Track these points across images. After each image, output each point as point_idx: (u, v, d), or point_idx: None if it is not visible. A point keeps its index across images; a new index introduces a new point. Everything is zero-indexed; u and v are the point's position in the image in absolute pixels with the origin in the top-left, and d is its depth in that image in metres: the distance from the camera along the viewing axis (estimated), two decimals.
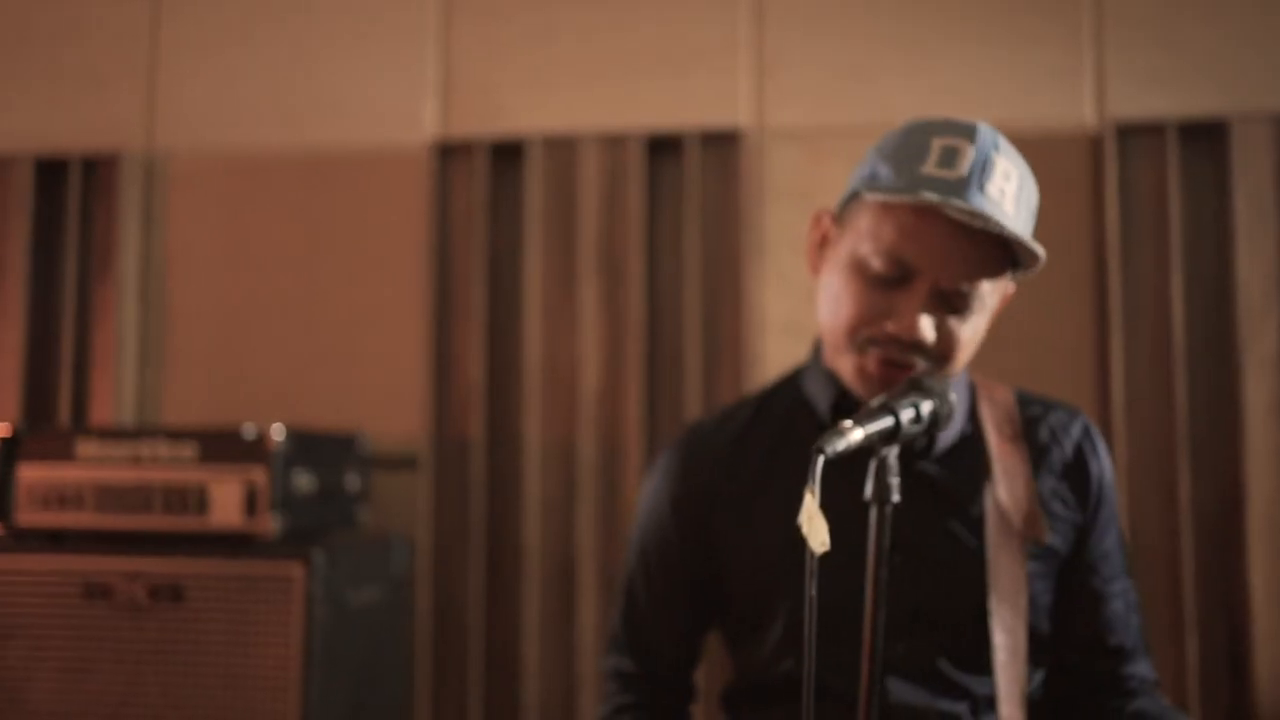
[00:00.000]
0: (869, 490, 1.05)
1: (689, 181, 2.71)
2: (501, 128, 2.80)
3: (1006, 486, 1.34)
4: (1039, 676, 1.38)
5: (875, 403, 1.08)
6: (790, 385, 1.46)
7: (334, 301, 2.85)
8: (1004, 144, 1.24)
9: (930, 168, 1.20)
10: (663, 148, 2.75)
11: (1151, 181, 2.61)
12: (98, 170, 2.91)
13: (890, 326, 1.23)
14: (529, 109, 2.81)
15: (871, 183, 1.25)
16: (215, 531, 2.21)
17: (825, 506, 0.96)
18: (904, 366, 1.25)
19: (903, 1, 2.74)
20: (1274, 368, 2.52)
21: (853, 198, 1.29)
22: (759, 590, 1.37)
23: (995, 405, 1.41)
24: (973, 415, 1.40)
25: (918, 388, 1.14)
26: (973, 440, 1.38)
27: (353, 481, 2.54)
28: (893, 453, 1.05)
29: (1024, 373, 2.58)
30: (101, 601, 2.18)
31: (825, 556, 0.96)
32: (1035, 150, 2.59)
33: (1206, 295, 2.58)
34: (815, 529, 0.94)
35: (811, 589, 0.94)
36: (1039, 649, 1.36)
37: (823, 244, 1.35)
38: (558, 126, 2.78)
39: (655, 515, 1.46)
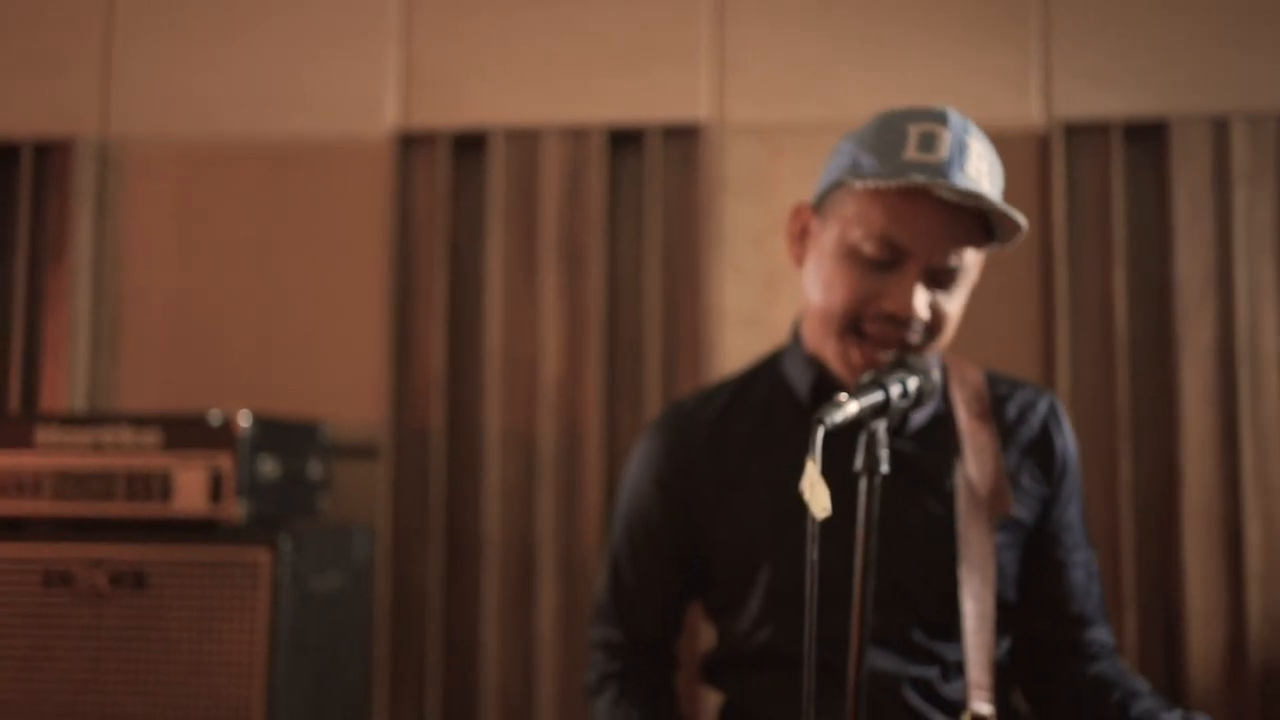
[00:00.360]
0: (859, 461, 1.10)
1: (649, 174, 2.75)
2: (464, 119, 2.82)
3: (976, 462, 1.40)
4: (1006, 643, 1.45)
5: (866, 378, 1.14)
6: (770, 368, 1.51)
7: (294, 291, 2.85)
8: (972, 127, 1.32)
9: (912, 153, 1.26)
10: (624, 141, 2.79)
11: (1096, 179, 2.70)
12: (51, 156, 2.87)
13: (887, 305, 1.29)
14: (492, 101, 2.84)
15: (856, 171, 1.30)
16: (179, 518, 2.20)
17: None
18: (903, 345, 1.31)
19: (861, 3, 2.81)
20: (1210, 358, 2.62)
21: (833, 188, 1.34)
22: (740, 565, 1.43)
23: (966, 385, 1.48)
24: (945, 394, 1.47)
25: (903, 365, 1.20)
26: (945, 419, 1.44)
27: (315, 469, 2.55)
28: (882, 425, 1.11)
29: (978, 362, 2.67)
30: (62, 589, 2.16)
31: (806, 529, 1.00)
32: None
33: (1147, 289, 2.68)
34: (817, 495, 0.99)
35: (813, 553, 0.98)
36: (1006, 616, 1.43)
37: (803, 235, 1.40)
38: (520, 119, 2.81)
39: (640, 493, 1.50)
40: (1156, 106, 2.70)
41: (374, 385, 2.78)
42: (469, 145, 2.81)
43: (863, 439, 1.10)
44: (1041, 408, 1.50)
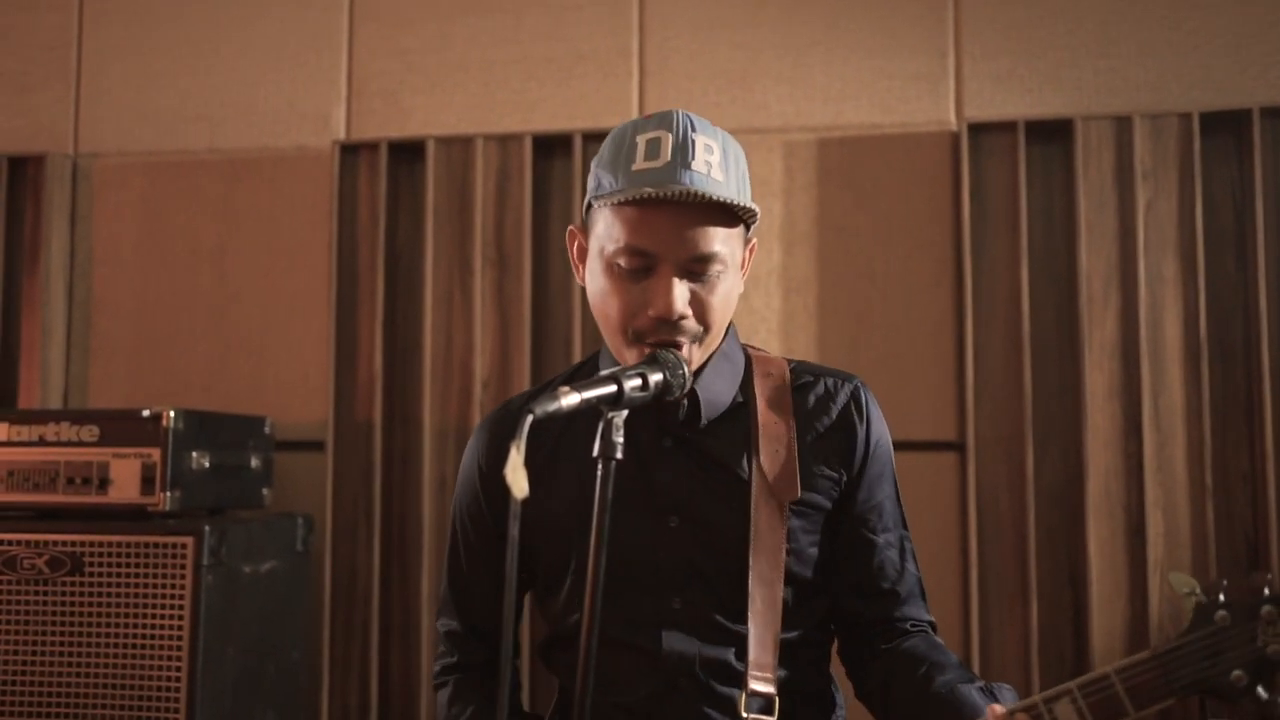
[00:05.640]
0: (596, 448, 1.18)
1: (576, 179, 2.88)
2: (402, 130, 2.99)
3: (768, 451, 1.47)
4: (807, 624, 1.53)
5: (604, 372, 1.22)
6: (590, 364, 1.61)
7: (247, 294, 3.03)
8: (699, 122, 1.37)
9: (640, 163, 1.33)
10: (551, 147, 2.93)
11: (1004, 177, 2.78)
12: (25, 170, 3.08)
13: (652, 311, 1.36)
14: (428, 112, 2.99)
15: (598, 191, 1.39)
16: (115, 506, 2.38)
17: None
18: (677, 345, 1.40)
19: (782, 13, 2.92)
20: (1113, 354, 2.69)
21: (588, 208, 1.43)
22: (553, 552, 1.51)
23: (768, 377, 1.53)
24: (748, 386, 1.52)
25: (652, 361, 1.29)
26: (744, 409, 1.51)
27: (256, 461, 2.72)
28: (620, 415, 1.19)
29: (890, 358, 2.77)
30: (8, 574, 2.34)
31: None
32: (901, 148, 2.80)
33: (1053, 285, 2.75)
34: (517, 479, 1.08)
35: (514, 530, 1.07)
36: (805, 597, 1.50)
37: (581, 255, 1.49)
38: (454, 128, 2.96)
39: (467, 487, 1.59)
40: (1062, 108, 2.77)
41: (320, 383, 2.95)
42: (406, 153, 2.97)
43: (600, 427, 1.19)
44: (842, 395, 1.53)
